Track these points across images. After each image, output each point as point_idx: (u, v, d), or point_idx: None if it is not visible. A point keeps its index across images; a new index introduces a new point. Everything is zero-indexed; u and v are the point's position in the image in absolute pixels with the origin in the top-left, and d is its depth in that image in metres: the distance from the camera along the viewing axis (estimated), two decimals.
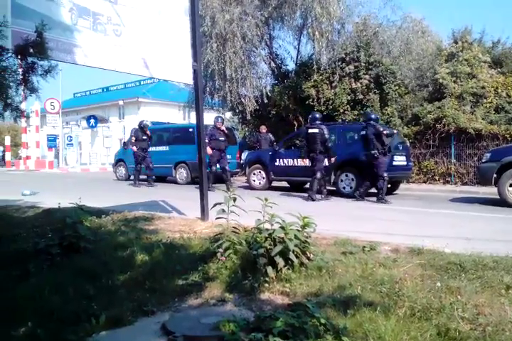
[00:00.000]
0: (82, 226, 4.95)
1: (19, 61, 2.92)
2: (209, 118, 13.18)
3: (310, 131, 9.53)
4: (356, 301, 3.09)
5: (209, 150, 10.96)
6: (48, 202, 7.59)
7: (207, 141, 11.05)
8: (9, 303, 3.57)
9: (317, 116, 9.78)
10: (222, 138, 11.52)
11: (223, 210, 4.41)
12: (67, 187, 12.44)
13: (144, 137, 13.00)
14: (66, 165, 26.52)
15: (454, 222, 6.63)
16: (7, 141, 29.24)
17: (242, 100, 15.54)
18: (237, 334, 2.81)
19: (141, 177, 14.87)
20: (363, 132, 9.29)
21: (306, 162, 10.69)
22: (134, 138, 13.02)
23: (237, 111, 16.58)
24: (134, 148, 12.99)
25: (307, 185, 12.14)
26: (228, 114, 21.26)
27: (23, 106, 18.24)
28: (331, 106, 14.92)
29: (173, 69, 5.94)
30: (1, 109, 2.87)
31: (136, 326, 3.14)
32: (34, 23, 3.72)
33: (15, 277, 4.10)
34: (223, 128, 11.61)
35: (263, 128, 14.62)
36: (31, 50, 2.93)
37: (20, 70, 2.91)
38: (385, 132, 9.05)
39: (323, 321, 2.74)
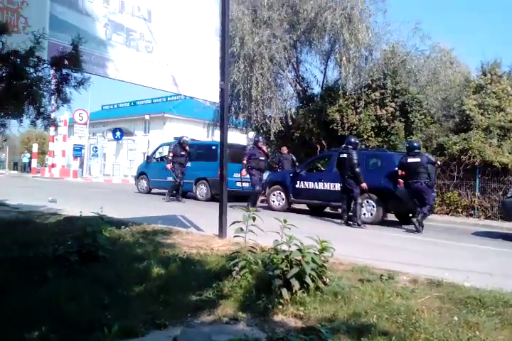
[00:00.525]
0: (102, 235, 5.02)
1: (54, 72, 3.04)
2: (233, 137, 13.33)
3: (341, 155, 9.50)
4: (371, 329, 3.04)
5: (244, 172, 11.11)
6: (69, 210, 7.72)
7: (245, 161, 11.13)
8: (25, 306, 3.62)
9: (352, 140, 9.72)
10: (263, 158, 11.44)
11: (241, 229, 4.42)
12: (89, 196, 12.62)
13: (183, 153, 12.97)
14: (90, 175, 26.96)
15: (476, 256, 6.49)
16: (34, 148, 29.97)
17: (267, 121, 15.67)
18: None
19: (160, 191, 15.02)
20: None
21: (328, 186, 10.66)
22: (171, 154, 12.96)
23: (261, 131, 16.70)
24: (169, 166, 12.96)
25: (327, 209, 12.11)
26: (251, 134, 21.42)
27: (52, 116, 18.92)
28: (354, 132, 14.91)
29: (200, 87, 6.08)
30: (34, 117, 2.98)
31: (147, 338, 3.14)
32: (70, 36, 3.87)
33: (33, 281, 4.16)
34: (264, 147, 11.56)
35: (284, 149, 14.63)
36: (66, 62, 3.05)
37: (53, 81, 3.03)
38: (438, 162, 9.09)
39: None
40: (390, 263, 4.93)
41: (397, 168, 9.35)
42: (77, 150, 24.98)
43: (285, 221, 4.25)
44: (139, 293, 3.88)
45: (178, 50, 5.81)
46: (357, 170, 9.18)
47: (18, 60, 2.73)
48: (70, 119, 26.06)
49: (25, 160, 34.52)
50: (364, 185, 9.17)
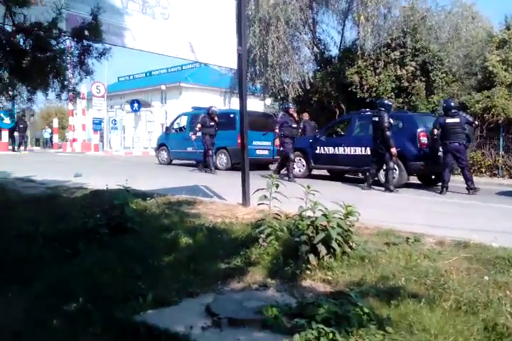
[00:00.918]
0: (129, 207, 5.12)
1: (75, 43, 3.01)
2: (250, 104, 13.16)
3: (373, 118, 9.24)
4: (400, 292, 3.07)
5: (277, 142, 10.87)
6: (94, 184, 7.84)
7: (277, 129, 10.87)
8: (61, 280, 3.76)
9: (385, 102, 9.40)
10: (295, 125, 11.13)
11: (265, 196, 4.44)
12: (112, 169, 12.80)
13: (212, 123, 12.67)
14: (110, 148, 27.22)
15: (502, 216, 6.42)
16: (55, 123, 30.25)
17: (284, 86, 15.42)
18: (279, 319, 2.87)
19: (187, 162, 15.10)
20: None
21: (348, 150, 10.56)
22: (199, 125, 12.71)
23: (279, 97, 16.48)
24: (193, 137, 12.88)
25: (348, 174, 12.04)
26: (269, 101, 21.19)
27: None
28: (374, 94, 14.59)
29: (218, 53, 5.96)
30: (59, 90, 2.98)
31: (181, 306, 3.25)
32: (88, 6, 3.79)
33: (66, 255, 4.30)
34: (295, 114, 11.22)
35: (306, 116, 14.39)
36: (87, 33, 3.01)
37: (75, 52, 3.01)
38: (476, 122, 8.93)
39: (366, 310, 2.75)
40: (416, 226, 4.91)
41: (433, 128, 9.12)
42: (97, 124, 25.13)
43: (308, 187, 4.25)
44: (169, 262, 3.98)
45: (194, 15, 5.67)
46: (387, 133, 8.83)
47: (42, 32, 2.69)
48: (87, 93, 26.06)
49: (47, 135, 34.95)
50: (394, 150, 8.85)
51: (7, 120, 21.91)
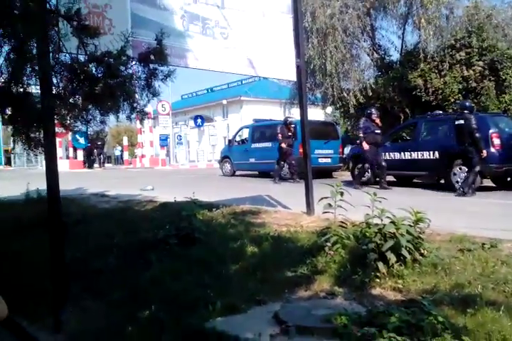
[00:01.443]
0: (196, 218, 5.26)
1: (142, 68, 3.20)
2: (311, 113, 13.15)
3: (456, 122, 8.84)
4: (476, 300, 2.92)
5: (366, 146, 10.22)
6: (163, 197, 8.14)
7: (361, 134, 10.35)
8: (135, 288, 3.93)
9: (467, 104, 9.05)
10: (379, 131, 10.54)
11: (330, 204, 4.41)
12: (179, 182, 13.23)
13: (289, 134, 12.65)
14: (176, 162, 28.18)
15: None
16: (124, 141, 31.88)
17: (344, 94, 15.27)
18: (349, 328, 2.81)
19: (249, 173, 15.31)
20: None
21: (415, 155, 10.22)
22: (280, 135, 12.62)
23: (339, 105, 16.33)
24: (283, 145, 12.59)
25: (416, 179, 11.62)
26: (329, 109, 21.03)
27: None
28: (440, 96, 14.07)
29: (276, 66, 6.06)
30: (129, 112, 3.18)
31: (249, 314, 3.28)
32: (151, 32, 4.02)
33: (139, 265, 4.49)
34: (378, 120, 10.67)
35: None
36: (152, 58, 3.19)
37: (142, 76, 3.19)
38: None
39: (440, 319, 2.64)
40: (492, 231, 4.64)
41: None
42: (163, 140, 26.19)
43: (375, 194, 4.17)
44: (236, 271, 4.03)
45: (252, 32, 5.81)
46: (477, 135, 8.39)
47: (112, 60, 2.89)
48: (153, 111, 27.29)
49: (118, 153, 36.84)
50: (485, 152, 8.39)
51: (82, 140, 23.38)
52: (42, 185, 3.68)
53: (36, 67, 2.88)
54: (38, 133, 3.21)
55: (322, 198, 4.61)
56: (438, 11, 13.66)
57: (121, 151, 34.58)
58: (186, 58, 5.00)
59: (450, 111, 13.44)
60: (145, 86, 3.20)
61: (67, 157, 25.01)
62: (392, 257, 3.57)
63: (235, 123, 29.63)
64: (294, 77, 6.20)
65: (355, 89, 15.10)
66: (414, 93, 14.51)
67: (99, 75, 2.91)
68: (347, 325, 2.84)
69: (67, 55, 2.96)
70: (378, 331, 2.63)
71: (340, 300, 3.36)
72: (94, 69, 2.91)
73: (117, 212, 7.12)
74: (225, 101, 34.76)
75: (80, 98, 2.90)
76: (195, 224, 5.01)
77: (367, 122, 10.67)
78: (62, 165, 23.05)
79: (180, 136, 28.22)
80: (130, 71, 3.13)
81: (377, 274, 3.54)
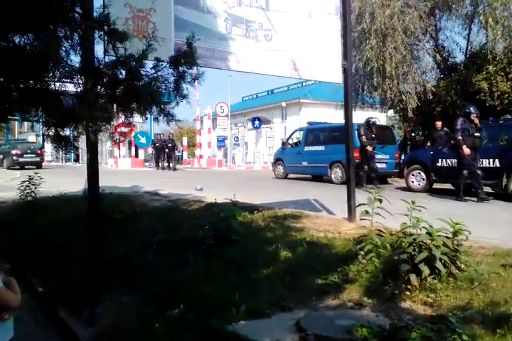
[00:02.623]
0: (235, 220, 5.32)
1: (172, 70, 3.30)
2: (366, 116, 12.87)
3: None
4: (510, 320, 2.73)
5: (466, 150, 8.90)
6: (212, 197, 8.27)
7: (459, 137, 9.18)
8: (169, 286, 4.05)
9: None
10: (478, 134, 9.31)
11: (367, 211, 4.31)
12: (232, 183, 13.38)
13: (373, 135, 12.09)
14: (233, 163, 28.58)
15: None
16: (184, 141, 32.77)
17: (403, 97, 14.78)
18: (369, 340, 2.74)
19: (302, 176, 15.22)
20: None
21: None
22: (365, 137, 11.94)
23: (398, 108, 15.82)
24: (369, 148, 11.89)
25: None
26: (390, 112, 20.49)
27: (197, 111, 19.97)
28: (506, 101, 13.27)
29: (322, 69, 5.98)
30: (157, 113, 3.28)
31: (272, 319, 3.28)
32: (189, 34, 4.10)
33: (176, 263, 4.62)
34: (477, 120, 9.35)
35: (438, 124, 13.24)
36: (182, 60, 3.28)
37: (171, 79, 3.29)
38: None
39: (465, 338, 2.51)
40: None
41: None
42: (221, 141, 26.65)
43: (413, 202, 4.03)
44: (267, 275, 4.04)
45: (297, 34, 5.78)
46: None
47: (134, 63, 3.02)
48: (212, 113, 27.87)
49: (178, 153, 37.91)
50: None
51: (143, 140, 24.31)
52: (101, 182, 3.89)
53: (66, 69, 3.04)
54: (68, 133, 3.39)
55: (359, 205, 4.52)
56: (506, 10, 12.89)
57: (182, 151, 35.55)
58: (228, 61, 5.07)
59: None
60: (174, 88, 3.28)
61: (130, 155, 26.08)
62: (425, 269, 3.43)
63: (293, 125, 29.50)
64: (339, 80, 6.10)
65: (414, 92, 14.57)
66: (478, 97, 13.76)
67: (122, 78, 3.04)
68: (367, 338, 2.77)
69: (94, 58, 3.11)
70: None
71: (366, 312, 3.28)
72: (119, 72, 3.04)
73: (165, 210, 7.34)
74: (284, 104, 34.76)
75: (103, 100, 3.03)
76: (233, 225, 5.07)
77: (465, 123, 9.18)
78: (125, 164, 24.12)
79: (237, 137, 28.56)
80: (160, 73, 3.24)
81: (409, 287, 3.42)
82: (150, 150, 26.58)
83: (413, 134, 16.47)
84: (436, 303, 3.22)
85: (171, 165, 22.81)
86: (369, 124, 12.27)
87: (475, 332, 2.66)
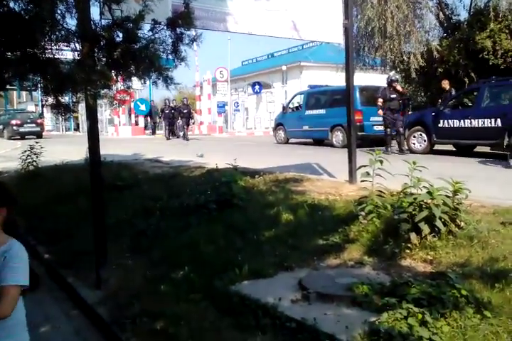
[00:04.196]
0: (236, 185, 5.34)
1: (170, 32, 3.21)
2: (370, 78, 12.63)
3: None
4: (508, 275, 2.79)
5: (380, 112, 9.58)
6: (213, 163, 8.28)
7: (378, 102, 9.61)
8: (172, 250, 4.11)
9: None
10: (394, 96, 9.93)
11: (368, 173, 4.31)
12: (233, 149, 13.29)
13: (393, 96, 10.65)
14: (233, 129, 28.41)
15: None
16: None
17: (405, 58, 14.46)
18: (369, 297, 2.81)
19: (303, 140, 15.16)
20: None
21: (476, 123, 9.61)
22: (381, 100, 10.77)
23: (399, 69, 15.51)
24: (380, 112, 10.86)
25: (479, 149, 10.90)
26: (393, 73, 20.09)
27: (196, 76, 19.35)
28: (510, 59, 12.99)
29: (322, 29, 5.83)
30: (155, 77, 3.22)
31: (275, 279, 3.35)
32: None
33: (179, 228, 4.67)
34: (399, 87, 9.76)
35: (446, 84, 12.31)
36: (180, 22, 3.18)
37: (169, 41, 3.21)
38: None
39: (464, 292, 2.57)
40: None
41: None
42: (221, 107, 26.36)
43: (414, 163, 4.02)
44: (269, 237, 4.09)
45: None
46: None
47: (131, 25, 2.93)
48: (212, 78, 27.43)
49: (192, 122, 37.53)
50: None
51: (143, 107, 24.08)
52: (102, 151, 3.86)
53: (62, 33, 2.97)
54: (67, 99, 3.34)
55: (360, 166, 4.52)
56: None
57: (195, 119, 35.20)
58: (226, 22, 4.94)
59: None
60: (172, 51, 3.21)
61: (131, 123, 25.87)
62: (425, 228, 3.47)
63: (294, 89, 29.10)
64: (340, 40, 5.96)
65: (417, 52, 14.25)
66: (481, 56, 13.46)
67: (119, 41, 2.96)
68: (368, 294, 2.84)
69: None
70: (398, 301, 2.60)
71: (367, 270, 3.34)
72: (115, 34, 2.96)
73: (166, 177, 7.36)
74: (284, 67, 34.05)
75: (101, 64, 2.97)
76: (235, 190, 5.09)
77: (384, 90, 10.67)
78: (125, 132, 23.98)
79: (237, 102, 28.25)
80: (157, 35, 3.16)
81: (409, 245, 3.47)
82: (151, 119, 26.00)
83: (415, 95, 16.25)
84: (436, 261, 3.27)
85: (186, 134, 19.51)
86: (389, 83, 10.98)
87: (474, 287, 2.71)
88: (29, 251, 1.82)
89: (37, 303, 3.25)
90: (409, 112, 11.90)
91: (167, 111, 20.97)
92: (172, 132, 20.69)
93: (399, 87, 11.09)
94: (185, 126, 19.74)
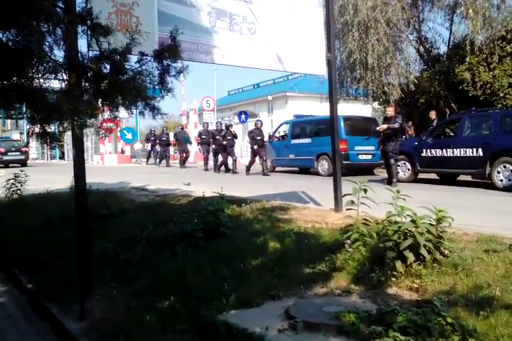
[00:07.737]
0: (223, 213, 5.35)
1: (156, 64, 3.30)
2: (354, 109, 12.93)
3: None
4: (492, 303, 2.82)
5: (255, 147, 9.69)
6: (200, 192, 8.27)
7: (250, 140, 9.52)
8: (158, 279, 4.07)
9: None
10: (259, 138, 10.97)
11: (352, 201, 4.37)
12: (220, 178, 13.38)
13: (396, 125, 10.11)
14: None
15: None
16: (171, 136, 32.54)
17: (386, 89, 14.89)
18: (356, 325, 2.81)
19: (289, 169, 15.25)
20: None
21: (458, 152, 9.83)
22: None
23: (381, 100, 15.93)
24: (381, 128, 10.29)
25: (465, 178, 11.09)
26: (375, 104, 20.61)
27: (183, 106, 19.74)
28: (488, 91, 13.45)
29: (306, 61, 6.02)
30: (142, 107, 3.29)
31: (262, 308, 3.33)
32: (172, 28, 4.09)
33: (165, 256, 4.64)
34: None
35: (433, 114, 13.01)
36: (166, 54, 3.28)
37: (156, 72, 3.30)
38: None
39: (450, 320, 2.58)
40: None
41: None
42: None
43: (398, 191, 4.10)
44: (255, 266, 4.08)
45: (280, 27, 5.80)
46: None
47: (118, 57, 3.02)
48: (198, 108, 27.76)
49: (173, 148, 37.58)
50: None
51: (130, 136, 24.15)
52: (88, 179, 3.85)
53: (50, 64, 3.03)
54: (54, 128, 3.38)
55: (345, 195, 4.58)
56: (487, 0, 13.03)
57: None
58: (213, 54, 5.08)
59: (499, 106, 12.83)
60: (159, 82, 3.29)
61: (117, 152, 25.83)
62: (410, 256, 3.50)
63: (279, 119, 29.56)
64: (324, 72, 6.14)
65: (397, 84, 14.70)
66: (461, 87, 13.94)
67: (107, 73, 3.04)
68: (355, 323, 2.83)
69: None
70: (385, 330, 2.61)
71: (354, 298, 3.35)
72: (102, 66, 3.04)
73: (153, 205, 7.34)
74: (270, 97, 34.75)
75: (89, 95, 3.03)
76: (221, 218, 5.10)
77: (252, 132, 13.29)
78: (111, 160, 23.92)
79: None
80: (145, 67, 3.24)
81: (395, 273, 3.49)
82: (138, 145, 26.31)
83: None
84: (422, 288, 3.30)
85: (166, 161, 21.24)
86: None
87: (459, 314, 2.74)
88: (12, 281, 1.82)
89: (20, 335, 3.17)
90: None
91: (152, 139, 22.61)
92: (160, 159, 22.19)
93: (398, 119, 10.25)
94: (168, 154, 21.68)
